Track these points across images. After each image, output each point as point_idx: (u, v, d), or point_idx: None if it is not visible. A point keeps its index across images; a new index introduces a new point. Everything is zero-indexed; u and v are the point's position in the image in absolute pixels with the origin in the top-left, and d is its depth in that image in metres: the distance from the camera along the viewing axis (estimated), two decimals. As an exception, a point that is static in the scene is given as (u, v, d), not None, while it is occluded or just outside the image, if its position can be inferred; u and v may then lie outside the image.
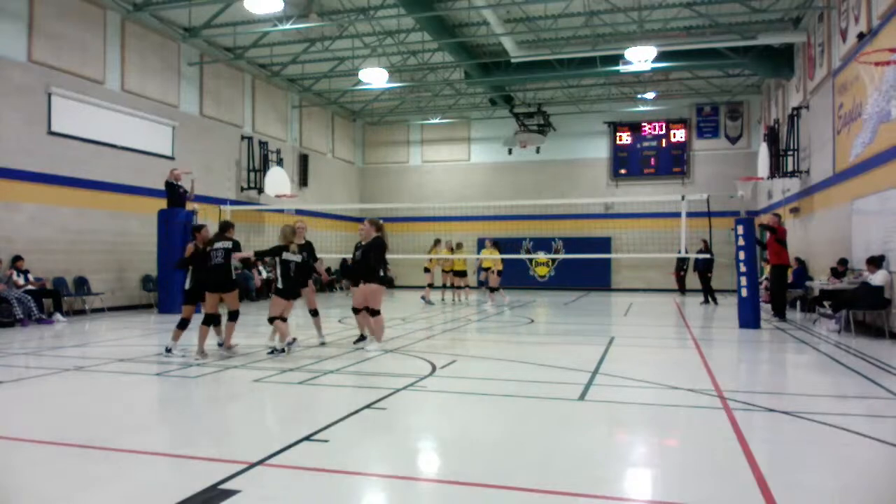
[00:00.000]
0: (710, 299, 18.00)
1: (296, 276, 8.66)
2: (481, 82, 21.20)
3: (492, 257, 17.55)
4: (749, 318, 11.72)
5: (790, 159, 17.28)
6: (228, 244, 8.30)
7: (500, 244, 18.71)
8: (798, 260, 15.71)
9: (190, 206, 14.74)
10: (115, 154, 15.47)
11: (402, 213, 25.13)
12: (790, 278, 15.22)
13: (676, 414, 5.59)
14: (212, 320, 8.39)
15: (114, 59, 15.53)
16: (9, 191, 13.02)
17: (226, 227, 8.50)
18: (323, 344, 9.26)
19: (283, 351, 8.29)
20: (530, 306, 17.18)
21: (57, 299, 13.06)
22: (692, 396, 6.03)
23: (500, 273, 17.56)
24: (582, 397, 5.99)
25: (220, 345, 8.69)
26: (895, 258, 10.37)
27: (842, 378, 7.17)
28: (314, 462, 4.12)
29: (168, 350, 8.18)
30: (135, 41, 16.10)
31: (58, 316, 12.71)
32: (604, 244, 24.41)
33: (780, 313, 13.21)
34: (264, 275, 18.44)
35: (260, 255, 9.28)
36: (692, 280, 21.04)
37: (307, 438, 4.59)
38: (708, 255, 15.23)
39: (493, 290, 17.75)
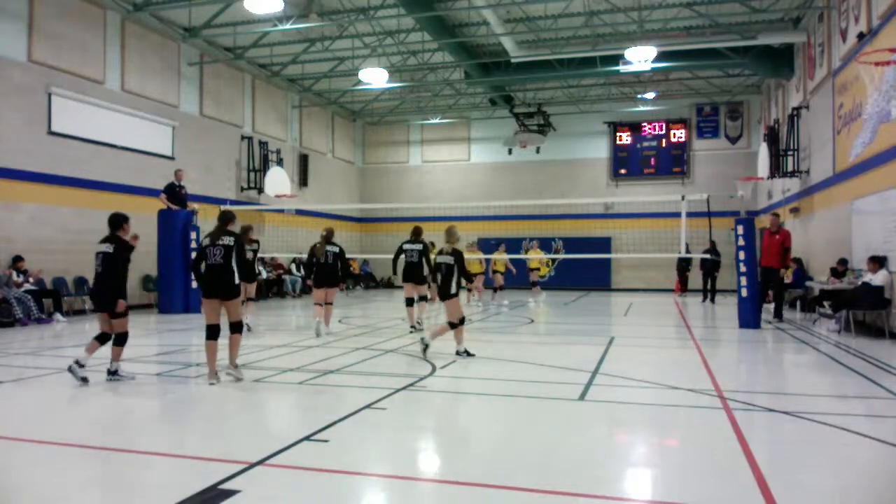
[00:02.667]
0: (708, 298, 18.14)
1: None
2: (481, 82, 21.19)
3: (474, 257, 18.15)
4: (749, 318, 11.71)
5: (790, 159, 17.27)
6: (230, 240, 6.89)
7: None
8: (796, 260, 15.70)
9: (190, 205, 14.77)
10: (115, 154, 15.47)
11: (402, 213, 25.15)
12: (789, 278, 15.22)
13: (676, 414, 5.59)
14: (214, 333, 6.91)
15: (114, 59, 15.53)
16: (9, 191, 13.02)
17: (226, 220, 7.09)
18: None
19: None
20: (530, 306, 17.18)
21: (57, 299, 13.04)
22: (692, 396, 6.03)
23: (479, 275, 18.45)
24: (582, 397, 5.99)
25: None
26: (895, 258, 10.37)
27: (842, 378, 7.17)
28: (314, 462, 4.12)
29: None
30: (135, 41, 16.10)
31: (58, 316, 12.70)
32: (604, 244, 24.41)
33: (777, 314, 13.11)
34: (264, 275, 18.42)
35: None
36: (694, 280, 21.12)
37: (307, 438, 4.59)
38: (715, 258, 15.26)
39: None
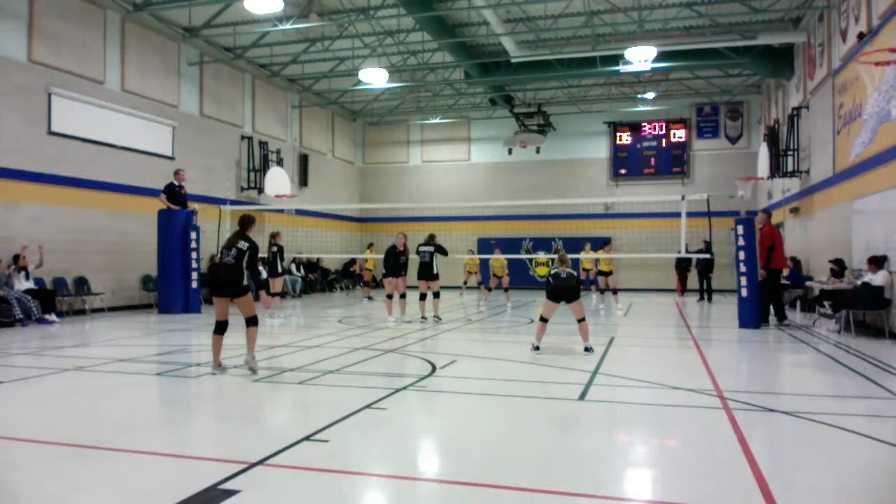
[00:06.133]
0: (704, 297, 18.41)
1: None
2: (481, 82, 21.19)
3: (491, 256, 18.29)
4: (749, 318, 11.70)
5: (790, 159, 17.28)
6: (245, 245, 7.22)
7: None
8: (793, 259, 15.68)
9: (190, 205, 14.77)
10: (115, 154, 15.46)
11: (402, 213, 25.16)
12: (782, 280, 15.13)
13: (676, 414, 5.59)
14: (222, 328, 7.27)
15: (114, 59, 15.53)
16: (9, 191, 13.01)
17: (245, 225, 7.38)
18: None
19: None
20: (530, 306, 17.17)
21: (50, 300, 12.81)
22: (692, 396, 6.03)
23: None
24: (582, 397, 5.99)
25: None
26: (895, 258, 10.37)
27: (842, 378, 7.17)
28: (314, 462, 4.12)
29: None
30: (135, 41, 16.10)
31: (51, 316, 12.56)
32: (604, 244, 24.35)
33: (762, 318, 12.13)
34: (264, 274, 18.35)
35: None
36: (693, 280, 21.11)
37: (307, 438, 4.59)
38: (708, 256, 15.30)
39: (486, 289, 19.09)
